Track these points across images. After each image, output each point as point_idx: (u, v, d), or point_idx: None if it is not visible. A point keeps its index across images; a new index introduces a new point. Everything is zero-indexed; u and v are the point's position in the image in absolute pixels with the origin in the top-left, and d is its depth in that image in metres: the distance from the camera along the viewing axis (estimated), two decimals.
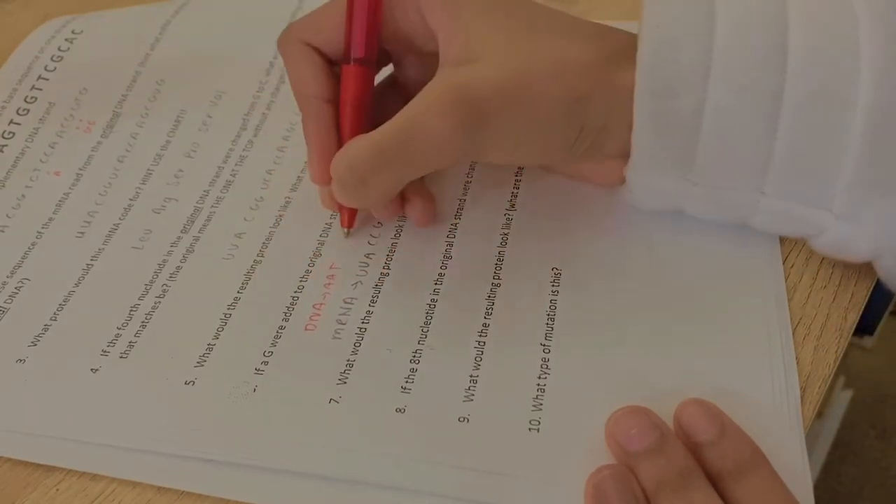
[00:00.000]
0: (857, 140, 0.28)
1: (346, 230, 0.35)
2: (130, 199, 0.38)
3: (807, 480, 0.27)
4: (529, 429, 0.29)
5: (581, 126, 0.30)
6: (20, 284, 0.35)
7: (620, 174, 0.33)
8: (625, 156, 0.31)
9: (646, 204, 0.34)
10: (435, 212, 0.35)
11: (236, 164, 0.39)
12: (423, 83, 0.30)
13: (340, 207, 0.35)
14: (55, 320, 0.33)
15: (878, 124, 0.28)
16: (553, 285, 0.33)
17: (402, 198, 0.35)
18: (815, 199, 0.30)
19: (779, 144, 0.29)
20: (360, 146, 0.30)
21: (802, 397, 0.30)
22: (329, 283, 0.34)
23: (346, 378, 0.30)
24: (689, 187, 0.32)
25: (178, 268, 0.35)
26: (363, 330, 0.32)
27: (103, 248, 0.36)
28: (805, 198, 0.30)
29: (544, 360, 0.31)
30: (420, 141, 0.29)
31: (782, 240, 0.34)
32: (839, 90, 0.28)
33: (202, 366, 0.31)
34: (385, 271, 0.34)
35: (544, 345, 0.31)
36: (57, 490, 0.29)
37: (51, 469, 0.29)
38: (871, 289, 0.33)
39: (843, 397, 1.01)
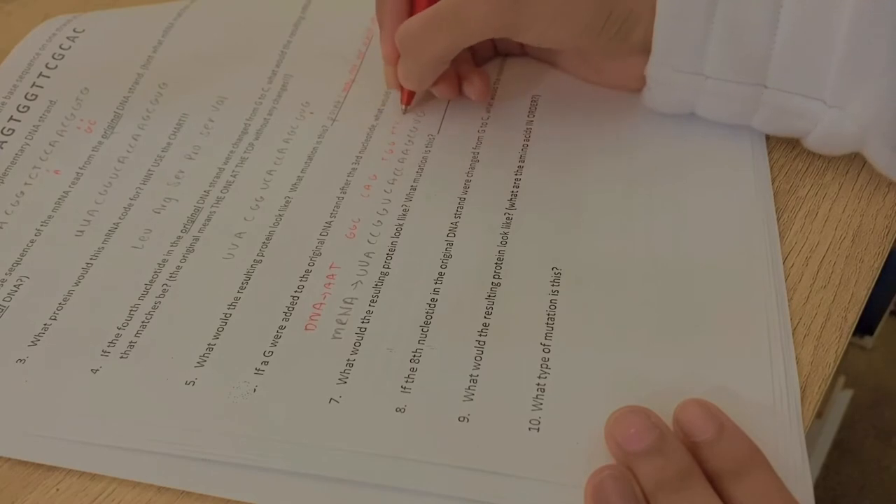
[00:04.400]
0: (845, 28, 0.32)
1: (403, 107, 0.41)
2: (130, 199, 0.38)
3: (807, 480, 0.27)
4: (529, 428, 0.29)
5: (609, 11, 0.35)
6: (19, 282, 0.35)
7: (641, 76, 0.37)
8: (646, 51, 0.36)
9: (662, 103, 0.38)
10: (490, 87, 0.41)
11: (237, 165, 0.39)
12: None
13: (401, 87, 0.40)
14: (55, 320, 0.33)
15: (863, 12, 0.32)
16: (553, 285, 0.33)
17: (459, 79, 0.40)
18: (810, 88, 0.34)
19: (779, 35, 0.33)
20: (417, 17, 0.36)
21: (802, 397, 0.30)
22: (329, 283, 0.34)
23: (346, 378, 0.30)
24: (701, 81, 0.36)
25: (179, 267, 0.35)
26: (363, 330, 0.32)
27: (103, 248, 0.36)
28: (801, 88, 0.34)
29: (544, 359, 0.31)
30: (468, 9, 0.35)
31: (782, 240, 0.34)
32: None
33: (202, 366, 0.31)
34: (385, 271, 0.34)
35: (544, 344, 0.31)
36: (57, 490, 0.29)
37: (51, 469, 0.29)
38: (871, 288, 0.33)
39: (843, 397, 1.01)
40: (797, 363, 0.30)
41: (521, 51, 0.43)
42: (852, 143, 0.34)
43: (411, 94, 0.41)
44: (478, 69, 0.41)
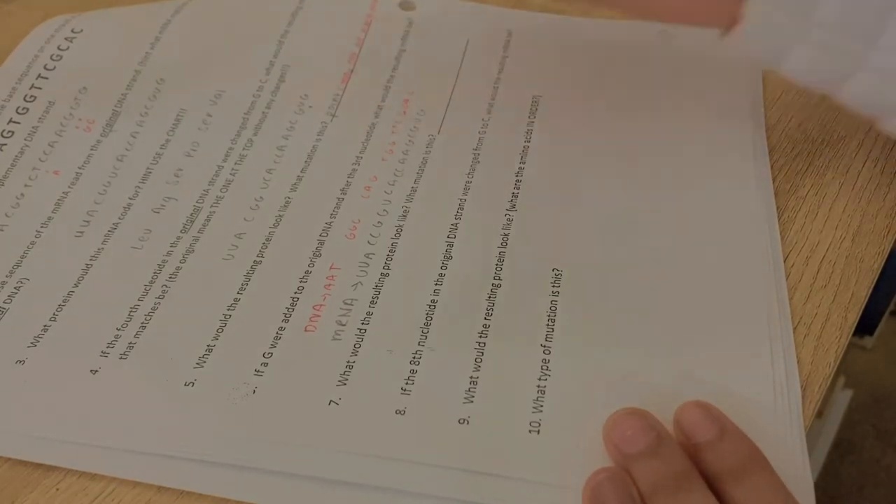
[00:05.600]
0: None
1: None
2: (130, 199, 0.38)
3: (807, 480, 0.27)
4: (529, 430, 0.29)
5: None
6: (19, 284, 0.34)
7: (736, 12, 0.32)
8: None
9: (753, 46, 0.33)
10: None
11: (236, 164, 0.39)
12: None
13: None
14: (54, 321, 0.33)
15: None
16: (553, 286, 0.33)
17: None
18: None
19: None
20: None
21: (802, 397, 0.30)
22: (329, 284, 0.34)
23: (346, 379, 0.30)
24: (807, 29, 0.31)
25: (178, 268, 0.35)
26: (363, 331, 0.32)
27: (102, 248, 0.36)
28: None
29: (544, 361, 0.30)
30: None
31: (783, 238, 0.34)
32: None
33: (201, 367, 0.31)
34: (385, 272, 0.34)
35: (545, 346, 0.31)
36: (57, 490, 0.29)
37: (51, 469, 0.29)
38: (871, 289, 0.33)
39: (843, 397, 1.01)
40: (797, 363, 0.30)
41: None
42: None
43: None
44: None
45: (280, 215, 0.37)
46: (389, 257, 0.34)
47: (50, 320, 0.33)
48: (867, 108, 0.33)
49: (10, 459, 0.29)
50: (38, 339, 0.32)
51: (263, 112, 0.41)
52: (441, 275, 0.34)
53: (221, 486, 0.28)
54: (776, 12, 0.31)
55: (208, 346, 0.32)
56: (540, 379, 0.30)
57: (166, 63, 0.44)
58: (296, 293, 0.33)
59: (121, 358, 0.31)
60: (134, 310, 0.33)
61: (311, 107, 0.41)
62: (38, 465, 0.29)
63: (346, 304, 0.33)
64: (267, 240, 0.36)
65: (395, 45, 0.44)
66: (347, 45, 0.44)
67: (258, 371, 0.31)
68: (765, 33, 0.32)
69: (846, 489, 0.98)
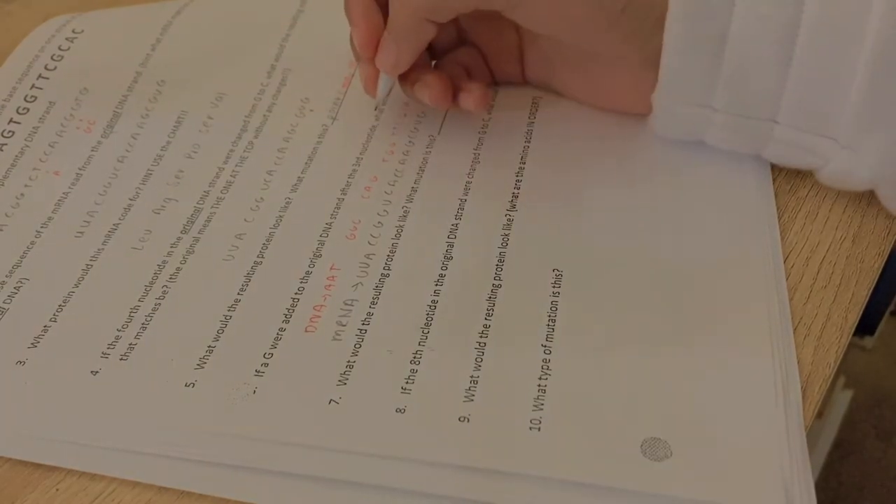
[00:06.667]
0: (861, 69, 0.31)
1: (376, 99, 0.38)
2: (130, 199, 0.38)
3: (807, 480, 0.27)
4: (530, 428, 0.28)
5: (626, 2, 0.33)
6: (19, 284, 0.34)
7: (646, 97, 0.35)
8: (654, 65, 0.33)
9: (669, 131, 0.37)
10: (489, 97, 0.39)
11: (237, 165, 0.39)
12: None
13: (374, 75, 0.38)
14: (55, 321, 0.33)
15: (882, 56, 0.30)
16: (554, 286, 0.33)
17: (454, 89, 0.37)
18: (822, 128, 0.33)
19: (792, 73, 0.32)
20: None
21: (802, 397, 0.29)
22: (329, 285, 0.34)
23: (347, 379, 0.30)
24: (710, 114, 0.34)
25: (178, 269, 0.35)
26: (363, 331, 0.32)
27: (103, 249, 0.36)
28: (814, 127, 0.33)
29: (545, 360, 0.30)
30: None
31: (783, 239, 0.34)
32: (851, 22, 0.31)
33: (202, 368, 0.31)
34: (385, 272, 0.34)
35: (545, 346, 0.31)
36: (57, 490, 0.29)
37: (51, 469, 0.29)
38: (871, 289, 0.33)
39: (843, 397, 1.01)
40: (797, 363, 0.30)
41: (521, 77, 0.42)
42: (863, 183, 0.34)
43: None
44: (476, 82, 0.38)
45: (280, 216, 0.37)
46: (390, 257, 0.34)
47: (50, 321, 0.33)
48: (793, 167, 0.36)
49: (10, 459, 0.29)
50: (38, 339, 0.32)
51: (265, 115, 0.41)
52: (441, 275, 0.34)
53: (221, 486, 0.28)
54: (682, 106, 0.35)
55: (209, 346, 0.32)
56: (541, 378, 0.30)
57: (167, 65, 0.44)
58: (296, 294, 0.33)
59: (121, 359, 0.31)
60: (134, 310, 0.33)
61: (311, 110, 0.41)
62: (38, 465, 0.29)
63: (346, 304, 0.33)
64: (267, 240, 0.36)
65: None
66: (348, 49, 0.44)
67: (258, 371, 0.31)
68: (675, 122, 0.36)
69: (846, 489, 0.98)
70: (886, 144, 0.32)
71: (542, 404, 0.29)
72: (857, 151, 0.32)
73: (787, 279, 0.33)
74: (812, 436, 0.32)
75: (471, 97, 0.37)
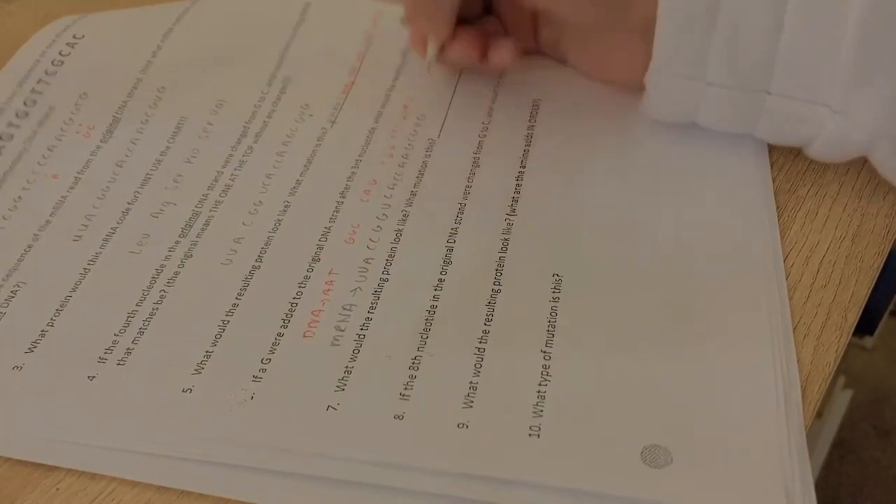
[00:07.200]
0: (851, 31, 0.31)
1: (426, 64, 0.39)
2: (129, 203, 0.38)
3: (807, 480, 0.27)
4: (529, 434, 0.28)
5: None
6: (16, 288, 0.34)
7: (644, 68, 0.35)
8: (648, 35, 0.34)
9: (663, 111, 0.37)
10: (517, 55, 0.39)
11: (235, 168, 0.39)
12: None
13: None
14: (52, 326, 0.33)
15: (870, 16, 0.31)
16: (554, 291, 0.33)
17: (484, 42, 0.39)
18: (814, 94, 0.33)
19: (784, 39, 0.32)
20: None
21: (802, 397, 0.29)
22: (328, 290, 0.33)
23: (345, 385, 0.30)
24: (702, 88, 0.35)
25: (176, 273, 0.35)
26: (362, 337, 0.32)
27: (100, 252, 0.36)
28: (806, 93, 0.33)
29: (545, 366, 0.30)
30: None
31: (782, 238, 0.34)
32: None
33: (200, 373, 0.31)
34: (384, 277, 0.34)
35: (545, 352, 0.31)
36: (57, 490, 0.29)
37: (51, 469, 0.29)
38: (871, 288, 0.33)
39: (843, 397, 1.01)
40: (797, 363, 0.30)
41: (536, 47, 0.43)
42: (858, 148, 0.34)
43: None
44: (508, 36, 0.40)
45: (279, 220, 0.36)
46: (389, 262, 0.34)
47: (48, 325, 0.33)
48: (786, 143, 0.36)
49: (9, 459, 0.29)
50: (35, 344, 0.32)
51: (264, 121, 0.41)
52: (441, 280, 0.34)
53: (221, 486, 0.28)
54: (675, 80, 0.35)
55: (206, 351, 0.31)
56: (540, 385, 0.30)
57: (168, 71, 0.44)
58: (294, 298, 0.33)
59: (118, 364, 0.31)
60: (132, 315, 0.33)
61: (311, 115, 0.41)
62: (38, 465, 0.29)
63: (345, 309, 0.33)
64: (266, 244, 0.35)
65: (395, 59, 0.44)
66: (349, 58, 0.44)
67: (256, 377, 0.31)
68: (668, 100, 0.36)
69: (846, 489, 0.98)
70: (880, 100, 0.32)
71: (542, 410, 0.29)
72: (849, 115, 0.33)
73: (786, 278, 0.33)
74: (812, 436, 0.32)
75: (502, 51, 0.39)
